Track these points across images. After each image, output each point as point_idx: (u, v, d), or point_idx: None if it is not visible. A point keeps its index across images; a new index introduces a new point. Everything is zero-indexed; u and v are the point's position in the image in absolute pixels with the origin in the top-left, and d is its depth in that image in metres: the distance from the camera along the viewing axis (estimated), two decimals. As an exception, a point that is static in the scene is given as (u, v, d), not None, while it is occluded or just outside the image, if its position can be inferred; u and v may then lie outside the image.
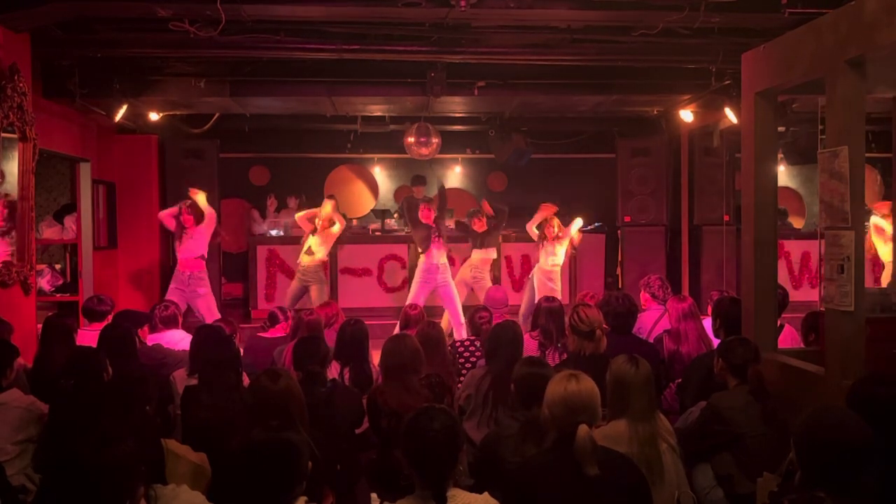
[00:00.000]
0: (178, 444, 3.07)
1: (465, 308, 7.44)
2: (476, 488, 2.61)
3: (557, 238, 7.55)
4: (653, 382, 3.01)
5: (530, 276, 7.86)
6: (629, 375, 2.94)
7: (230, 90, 7.13)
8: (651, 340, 4.92)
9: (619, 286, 8.81)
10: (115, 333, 4.31)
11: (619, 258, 9.05)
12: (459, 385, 4.13)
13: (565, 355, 4.35)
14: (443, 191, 7.67)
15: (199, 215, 7.03)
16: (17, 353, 3.78)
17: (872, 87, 3.74)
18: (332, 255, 8.62)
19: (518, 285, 8.67)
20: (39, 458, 3.45)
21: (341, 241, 8.31)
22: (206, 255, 7.19)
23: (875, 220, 7.73)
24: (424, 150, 8.84)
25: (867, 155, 3.40)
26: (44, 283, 7.18)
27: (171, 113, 8.06)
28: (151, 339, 5.05)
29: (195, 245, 7.06)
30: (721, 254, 8.31)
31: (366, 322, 4.59)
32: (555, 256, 7.57)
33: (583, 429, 2.42)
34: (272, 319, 5.48)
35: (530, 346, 4.64)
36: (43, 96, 6.30)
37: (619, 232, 9.02)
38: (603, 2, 5.31)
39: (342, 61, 6.54)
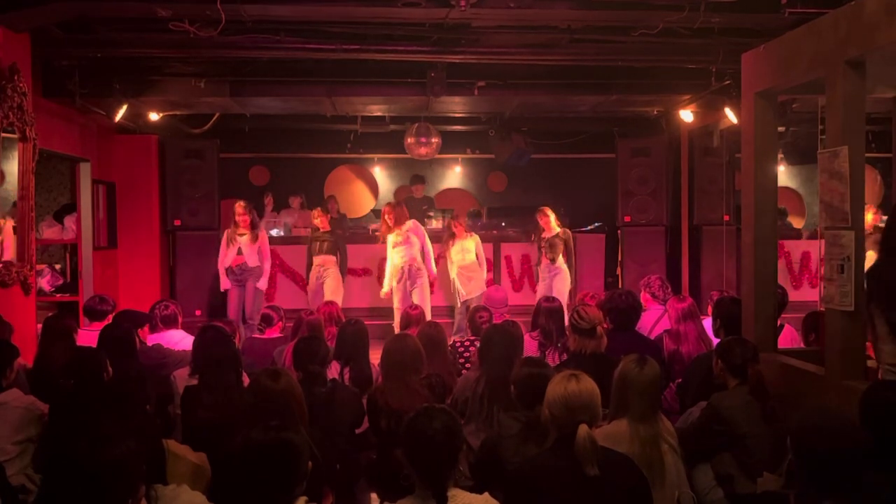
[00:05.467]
0: (178, 444, 3.07)
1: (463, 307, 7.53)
2: (476, 489, 2.61)
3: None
4: (658, 385, 3.01)
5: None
6: (632, 375, 2.95)
7: (230, 90, 7.12)
8: (649, 338, 4.92)
9: (619, 286, 8.80)
10: (115, 333, 4.31)
11: (619, 258, 9.04)
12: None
13: (565, 355, 4.35)
14: None
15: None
16: (17, 353, 3.77)
17: (872, 87, 3.73)
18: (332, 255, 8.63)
19: (518, 285, 8.67)
20: (39, 458, 3.45)
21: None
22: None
23: None
24: (424, 150, 8.84)
25: (867, 155, 3.40)
26: (44, 283, 7.18)
27: (171, 113, 8.05)
28: (151, 339, 5.04)
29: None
30: (721, 254, 8.30)
31: (366, 322, 4.60)
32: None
33: (583, 429, 2.42)
34: (267, 321, 5.47)
35: (530, 347, 4.64)
36: (43, 96, 6.30)
37: (619, 232, 9.01)
38: (603, 2, 5.31)
39: (342, 61, 6.53)
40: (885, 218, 3.82)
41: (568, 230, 8.02)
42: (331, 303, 5.95)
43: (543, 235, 7.90)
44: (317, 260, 7.73)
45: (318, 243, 7.74)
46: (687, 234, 8.93)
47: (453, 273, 7.83)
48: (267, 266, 7.62)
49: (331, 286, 7.66)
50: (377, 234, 8.22)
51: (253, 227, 7.51)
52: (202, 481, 2.95)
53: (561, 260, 7.78)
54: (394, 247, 7.56)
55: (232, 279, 7.51)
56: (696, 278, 8.71)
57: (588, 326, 3.92)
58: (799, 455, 2.26)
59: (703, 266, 8.62)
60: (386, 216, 7.60)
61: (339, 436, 3.54)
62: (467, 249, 7.82)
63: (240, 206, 7.50)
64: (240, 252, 7.43)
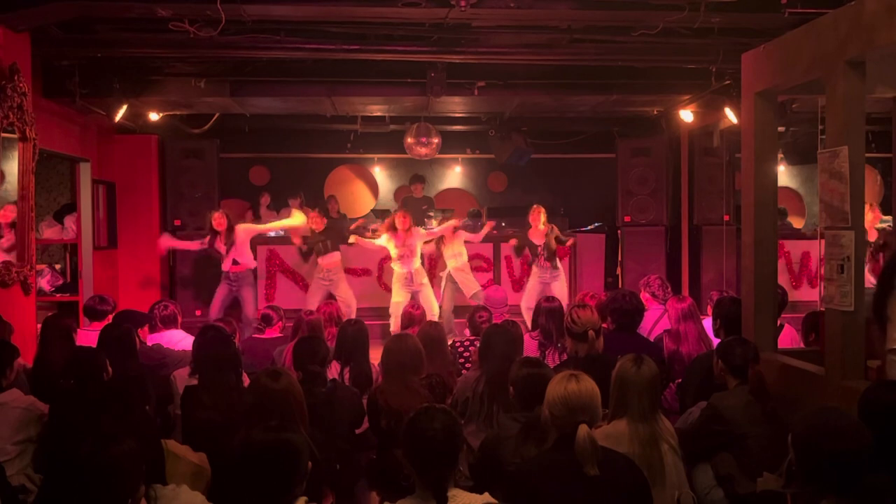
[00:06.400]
0: (177, 445, 3.07)
1: (462, 307, 7.56)
2: (476, 489, 2.61)
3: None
4: (657, 384, 3.00)
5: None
6: (630, 375, 2.94)
7: (230, 90, 7.12)
8: (651, 340, 4.92)
9: (620, 286, 8.80)
10: (115, 333, 4.30)
11: (619, 258, 9.05)
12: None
13: (565, 355, 4.35)
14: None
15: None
16: (17, 353, 3.77)
17: (872, 87, 3.73)
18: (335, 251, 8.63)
19: (518, 285, 8.67)
20: (39, 458, 3.45)
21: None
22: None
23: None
24: (424, 150, 8.84)
25: (867, 155, 3.40)
26: (44, 283, 7.18)
27: (171, 113, 8.06)
28: (151, 339, 5.05)
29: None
30: (721, 254, 8.31)
31: (366, 322, 4.60)
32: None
33: (583, 429, 2.42)
34: (267, 320, 5.47)
35: (530, 347, 4.64)
36: (43, 96, 6.30)
37: (619, 232, 9.01)
38: (603, 2, 5.32)
39: (342, 61, 6.53)
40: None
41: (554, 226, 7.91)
42: (331, 303, 5.95)
43: (531, 236, 7.77)
44: (322, 262, 7.67)
45: (321, 244, 7.68)
46: (687, 234, 8.93)
47: (448, 270, 7.84)
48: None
49: (342, 294, 7.62)
50: (376, 231, 8.18)
51: (230, 229, 7.37)
52: (202, 481, 2.95)
53: (559, 263, 7.80)
54: (398, 258, 7.57)
55: (226, 282, 7.47)
56: (696, 278, 8.72)
57: (580, 331, 3.91)
58: (802, 453, 2.26)
59: (703, 266, 8.63)
60: (398, 221, 7.51)
61: (339, 436, 3.54)
62: (458, 253, 7.85)
63: (217, 214, 7.44)
64: (235, 262, 7.38)
